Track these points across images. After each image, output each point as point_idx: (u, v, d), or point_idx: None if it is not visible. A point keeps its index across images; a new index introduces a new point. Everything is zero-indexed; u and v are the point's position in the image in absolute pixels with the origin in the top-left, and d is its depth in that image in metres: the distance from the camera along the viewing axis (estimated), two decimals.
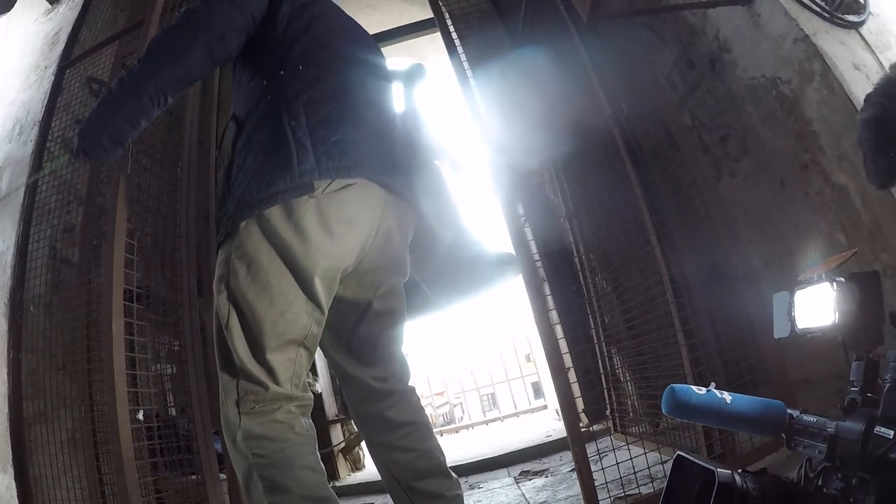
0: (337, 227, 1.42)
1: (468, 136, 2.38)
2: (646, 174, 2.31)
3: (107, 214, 2.26)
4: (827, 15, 1.78)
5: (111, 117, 1.43)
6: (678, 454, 0.82)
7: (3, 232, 2.83)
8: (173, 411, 2.79)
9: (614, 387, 3.13)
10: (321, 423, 3.87)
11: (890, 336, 0.83)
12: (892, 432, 0.67)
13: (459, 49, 2.60)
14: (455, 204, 1.80)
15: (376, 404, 1.57)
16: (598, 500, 1.89)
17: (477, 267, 1.81)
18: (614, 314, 3.03)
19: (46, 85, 3.05)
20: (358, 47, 1.69)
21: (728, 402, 0.82)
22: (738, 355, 2.08)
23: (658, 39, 2.45)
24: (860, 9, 1.80)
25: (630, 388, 2.97)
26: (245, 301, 1.39)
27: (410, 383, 1.66)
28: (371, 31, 1.95)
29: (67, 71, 3.00)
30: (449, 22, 2.69)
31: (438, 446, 1.62)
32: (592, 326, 3.23)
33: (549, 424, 4.55)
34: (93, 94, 2.82)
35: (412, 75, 1.81)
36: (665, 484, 0.82)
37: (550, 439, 3.61)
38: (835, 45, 1.74)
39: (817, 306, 0.86)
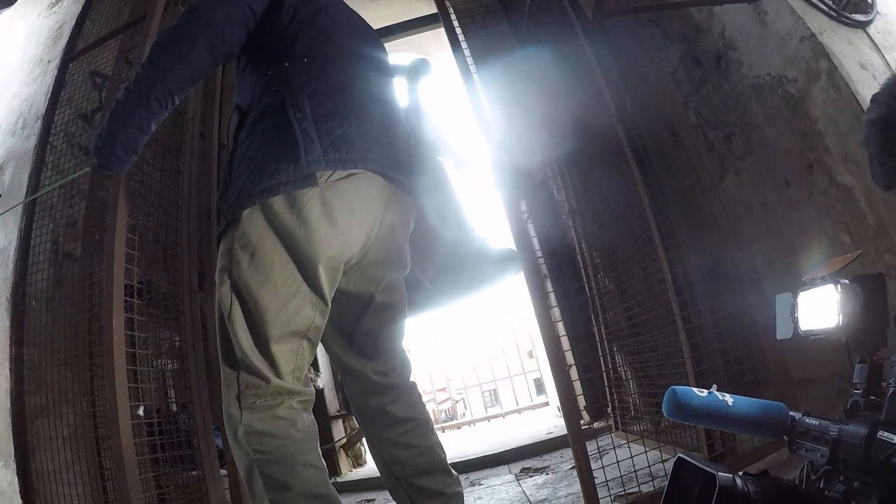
0: (340, 216, 1.41)
1: (472, 132, 2.37)
2: (649, 172, 2.30)
3: (109, 209, 2.25)
4: (834, 14, 1.76)
5: (122, 127, 1.42)
6: (679, 456, 0.81)
7: (6, 226, 2.82)
8: (174, 407, 2.80)
9: (616, 384, 3.12)
10: (323, 419, 3.87)
11: (894, 339, 0.82)
12: (895, 437, 0.67)
13: (463, 45, 2.59)
14: (458, 200, 1.79)
15: (378, 399, 1.57)
16: (598, 499, 1.89)
17: (480, 263, 1.81)
18: (616, 312, 3.02)
19: (50, 79, 3.04)
20: (362, 41, 1.69)
21: (730, 404, 0.82)
22: (741, 354, 2.07)
23: (663, 37, 2.43)
24: (867, 8, 1.79)
25: (632, 386, 2.97)
26: (248, 291, 1.39)
27: (412, 379, 1.66)
28: (376, 26, 1.94)
29: (71, 65, 3.00)
30: (453, 17, 2.68)
31: (439, 443, 1.61)
32: (594, 324, 3.23)
33: (550, 421, 4.55)
34: (96, 88, 2.82)
35: (416, 70, 1.80)
36: (665, 485, 0.82)
37: (552, 436, 3.61)
38: (841, 44, 1.72)
39: (821, 308, 0.85)
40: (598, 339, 3.19)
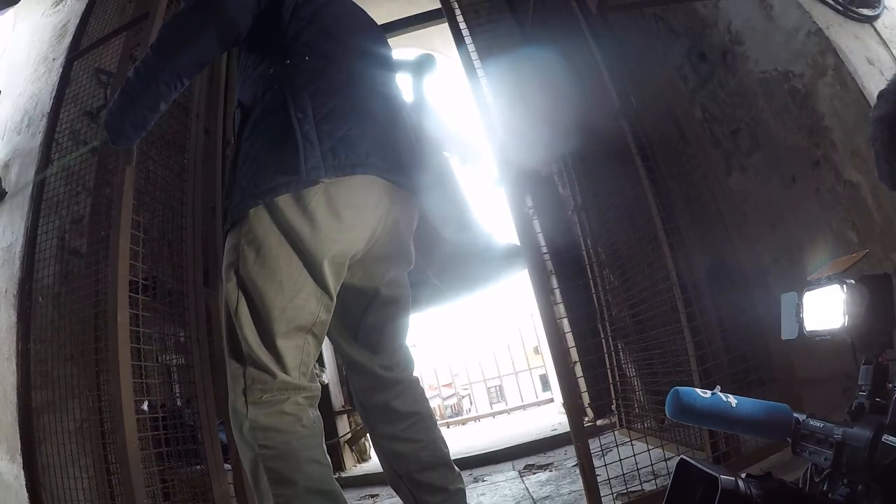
0: (345, 212, 1.42)
1: (477, 127, 2.36)
2: (655, 168, 2.29)
3: (114, 205, 2.26)
4: (841, 8, 1.74)
5: (131, 106, 1.47)
6: (682, 458, 0.81)
7: (13, 223, 2.84)
8: (179, 402, 2.81)
9: (621, 382, 3.11)
10: (328, 414, 3.89)
11: None
12: None
13: (468, 40, 2.58)
14: (461, 196, 1.79)
15: (382, 394, 1.58)
16: (600, 496, 1.89)
17: (485, 259, 1.81)
18: (622, 308, 3.01)
19: (55, 76, 3.05)
20: (365, 37, 1.68)
21: (733, 405, 0.81)
22: (745, 353, 2.06)
23: (669, 31, 2.42)
24: (875, 2, 1.77)
25: (636, 384, 2.96)
26: (254, 287, 1.39)
27: (415, 374, 1.66)
28: (380, 21, 1.93)
29: (76, 62, 3.00)
30: (458, 12, 2.67)
31: (442, 438, 1.62)
32: (599, 320, 3.22)
33: (555, 418, 4.55)
34: (101, 86, 2.82)
35: (421, 66, 1.79)
36: (668, 487, 0.81)
37: (556, 433, 3.61)
38: (848, 38, 1.71)
39: (826, 308, 0.84)
40: (602, 336, 3.18)
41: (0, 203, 2.94)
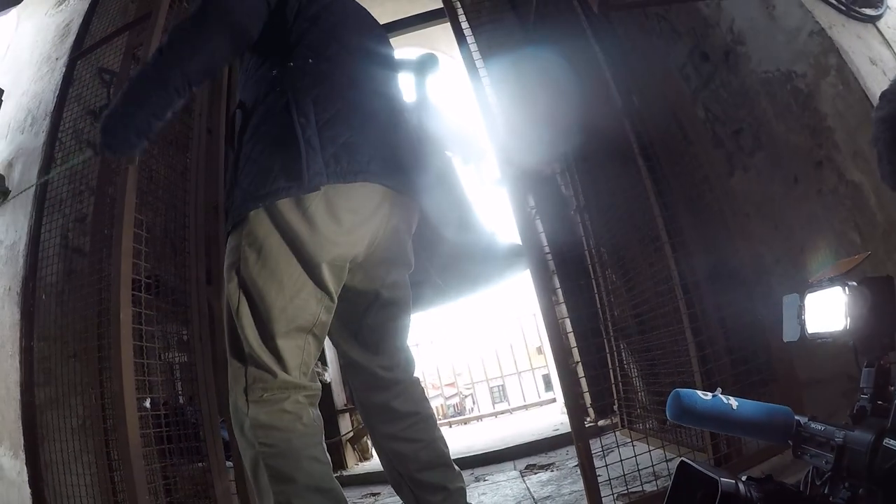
0: (345, 215, 1.42)
1: (479, 127, 2.36)
2: (657, 168, 2.29)
3: (117, 204, 2.27)
4: (843, 8, 1.74)
5: (138, 110, 1.38)
6: (682, 460, 0.81)
7: (16, 221, 2.85)
8: (181, 399, 2.82)
9: (622, 382, 3.11)
10: (330, 413, 3.90)
11: None
12: None
13: (469, 39, 2.58)
14: (463, 197, 1.79)
15: (382, 394, 1.59)
16: (600, 497, 1.89)
17: (487, 259, 1.82)
18: (624, 308, 3.01)
19: (58, 76, 3.06)
20: (367, 37, 1.68)
21: (734, 408, 0.81)
22: (747, 353, 2.06)
23: (671, 31, 2.41)
24: (878, 2, 1.76)
25: (638, 384, 2.96)
26: (255, 287, 1.40)
27: (415, 374, 1.67)
28: (383, 20, 1.93)
29: (79, 62, 3.02)
30: (460, 11, 2.67)
31: (442, 437, 1.63)
32: (601, 321, 3.21)
33: (557, 418, 4.55)
34: (104, 85, 2.83)
35: (424, 65, 1.79)
36: (668, 488, 0.81)
37: (558, 433, 3.61)
38: (851, 39, 1.70)
39: (828, 311, 0.84)
40: (604, 337, 3.18)
41: (4, 201, 2.95)
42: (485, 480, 2.95)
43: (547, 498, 2.34)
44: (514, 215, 2.19)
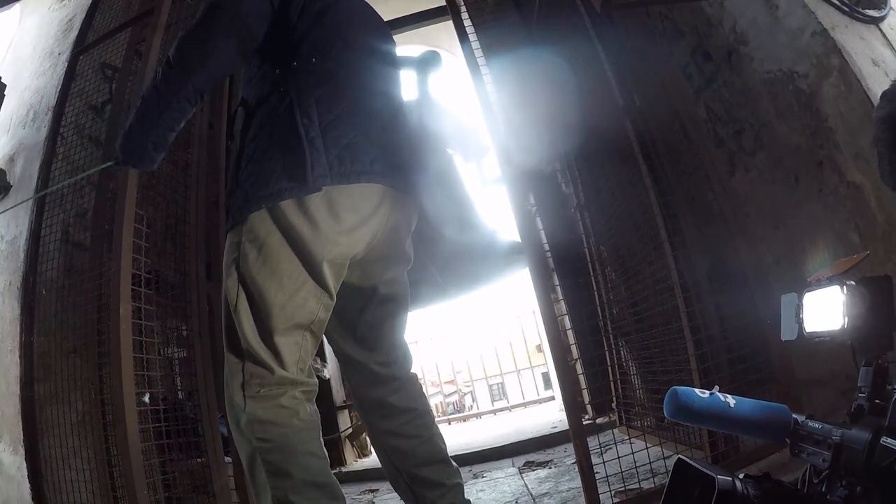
0: (346, 215, 1.43)
1: (481, 125, 2.36)
2: (658, 167, 2.29)
3: (118, 199, 2.27)
4: (847, 9, 1.74)
5: (153, 127, 1.42)
6: (679, 458, 0.81)
7: (17, 217, 2.86)
8: (181, 395, 2.82)
9: (621, 380, 3.11)
10: (329, 409, 3.90)
11: None
12: None
13: (472, 37, 2.58)
14: (463, 195, 1.79)
15: (379, 390, 1.59)
16: (598, 494, 1.89)
17: (487, 257, 1.82)
18: (623, 306, 3.01)
19: (60, 71, 3.06)
20: (371, 35, 1.68)
21: (731, 406, 0.81)
22: (745, 353, 2.06)
23: (674, 30, 2.41)
24: (881, 4, 1.76)
25: (636, 382, 2.96)
26: (254, 284, 1.41)
27: (412, 371, 1.68)
28: (386, 17, 1.93)
29: (81, 57, 3.02)
30: (463, 9, 2.67)
31: (440, 434, 1.64)
32: (600, 318, 3.22)
33: (555, 415, 4.55)
34: (106, 81, 2.83)
35: (426, 63, 1.79)
36: (665, 486, 0.81)
37: (556, 430, 3.61)
38: (854, 39, 1.70)
39: (826, 310, 0.84)
40: (603, 334, 3.19)
41: (4, 196, 2.95)
42: (483, 477, 2.95)
43: (545, 495, 2.35)
44: (514, 213, 2.19)
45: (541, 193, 3.55)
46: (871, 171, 1.59)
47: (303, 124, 1.40)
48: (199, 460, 2.53)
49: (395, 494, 1.64)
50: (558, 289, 3.30)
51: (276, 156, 1.41)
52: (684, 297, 2.13)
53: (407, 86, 1.76)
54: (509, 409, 6.48)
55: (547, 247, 2.77)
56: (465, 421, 6.44)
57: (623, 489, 1.96)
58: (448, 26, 3.04)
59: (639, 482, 1.97)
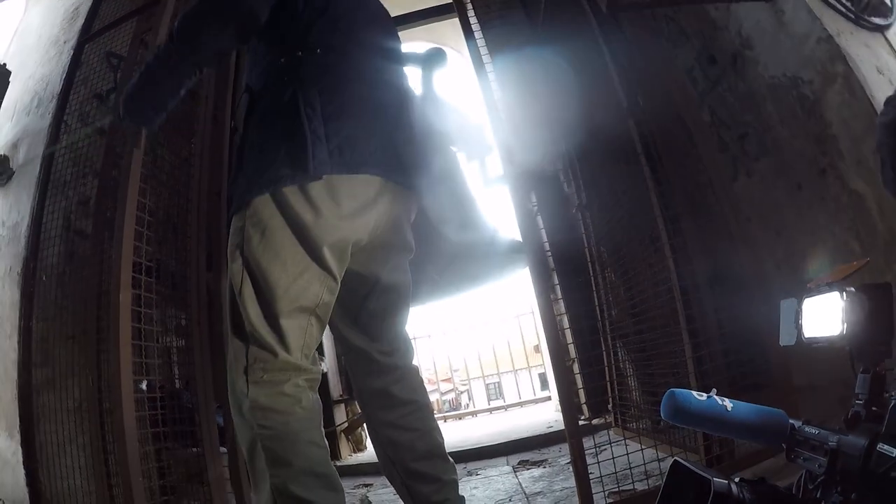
0: (346, 201, 1.44)
1: (485, 123, 2.36)
2: (660, 169, 2.29)
3: (121, 187, 2.27)
4: (852, 16, 1.74)
5: (154, 90, 1.53)
6: (675, 460, 0.81)
7: (19, 202, 2.86)
8: (178, 383, 2.83)
9: (617, 381, 3.12)
10: (325, 403, 3.89)
11: None
12: (895, 450, 0.66)
13: (478, 35, 2.58)
14: (466, 193, 1.79)
15: (380, 379, 1.60)
16: (592, 494, 1.90)
17: (487, 256, 1.82)
18: (622, 308, 3.02)
19: (65, 59, 3.06)
20: (376, 29, 1.68)
21: (729, 409, 0.81)
22: (743, 357, 2.06)
23: (680, 33, 2.41)
24: (887, 11, 1.76)
25: (633, 383, 2.97)
26: (258, 267, 1.41)
27: (414, 363, 1.68)
28: (392, 13, 1.93)
29: (87, 45, 3.01)
30: (469, 7, 2.66)
31: (438, 428, 1.64)
32: (599, 319, 3.22)
33: (551, 415, 4.56)
34: (111, 69, 2.83)
35: (431, 60, 1.78)
36: (661, 489, 0.82)
37: (551, 430, 3.63)
38: (859, 47, 1.70)
39: (825, 316, 0.84)
40: (601, 335, 3.19)
41: (7, 182, 2.95)
42: (477, 475, 2.96)
43: (538, 494, 2.36)
44: (515, 212, 2.20)
45: (542, 193, 3.55)
46: (874, 179, 1.59)
47: (306, 114, 1.41)
48: (194, 450, 2.53)
49: (390, 489, 1.64)
50: (557, 288, 3.30)
51: (278, 143, 1.42)
52: (684, 299, 2.13)
53: (412, 82, 1.76)
54: (505, 408, 6.50)
55: (547, 246, 2.77)
56: (460, 419, 6.46)
57: (617, 490, 1.97)
58: (454, 24, 3.04)
59: (633, 483, 1.98)
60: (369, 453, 4.02)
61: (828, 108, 1.75)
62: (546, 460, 2.99)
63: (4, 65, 2.98)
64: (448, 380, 11.32)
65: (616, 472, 1.98)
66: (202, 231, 2.68)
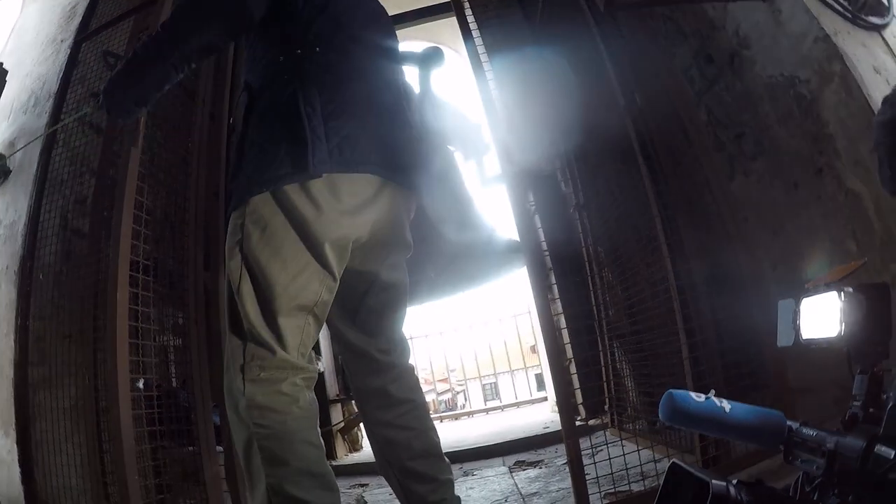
0: (347, 198, 1.44)
1: (482, 122, 2.36)
2: (657, 169, 2.29)
3: (118, 186, 2.26)
4: (850, 15, 1.74)
5: (137, 82, 1.48)
6: (673, 462, 0.81)
7: (16, 201, 2.85)
8: (175, 382, 2.82)
9: (614, 381, 3.12)
10: (322, 402, 3.87)
11: None
12: (892, 452, 0.66)
13: (475, 34, 2.58)
14: (464, 192, 1.79)
15: (378, 377, 1.60)
16: (588, 495, 1.90)
17: (485, 255, 1.82)
18: (619, 308, 3.02)
19: (63, 57, 3.05)
20: (375, 28, 1.68)
21: (727, 411, 0.81)
22: (739, 358, 2.07)
23: (677, 32, 2.41)
24: (884, 11, 1.76)
25: (629, 384, 2.97)
26: (258, 264, 1.41)
27: (410, 362, 1.68)
28: (391, 12, 1.93)
29: (84, 44, 3.01)
30: (467, 6, 2.66)
31: (434, 428, 1.64)
32: (596, 319, 3.22)
33: (547, 416, 4.57)
34: (108, 68, 2.82)
35: (428, 59, 1.78)
36: (659, 490, 0.81)
37: (548, 431, 3.63)
38: (856, 46, 1.70)
39: (823, 316, 0.84)
40: (598, 335, 3.19)
41: (4, 181, 2.94)
42: (473, 475, 2.96)
43: (534, 494, 2.35)
44: (513, 212, 2.20)
45: (540, 192, 3.55)
46: (870, 179, 1.59)
47: (305, 113, 1.41)
48: (190, 448, 2.53)
49: (386, 489, 1.65)
50: (555, 288, 3.31)
51: (278, 142, 1.41)
52: (680, 299, 2.14)
53: (410, 81, 1.75)
54: (502, 408, 6.50)
55: (545, 246, 2.77)
56: (457, 419, 6.46)
57: (613, 491, 1.97)
58: (452, 23, 3.04)
59: (629, 484, 1.98)
60: (365, 453, 4.02)
61: (825, 108, 1.75)
62: (542, 461, 2.99)
63: (1, 63, 2.97)
64: (445, 380, 11.35)
65: (612, 473, 1.98)
66: (200, 230, 2.68)
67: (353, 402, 3.81)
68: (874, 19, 1.76)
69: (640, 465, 2.01)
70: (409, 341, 1.73)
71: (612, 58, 2.42)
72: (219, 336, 1.92)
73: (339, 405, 4.26)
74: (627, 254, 2.70)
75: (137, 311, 2.28)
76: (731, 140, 2.23)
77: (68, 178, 2.81)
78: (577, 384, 3.24)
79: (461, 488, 2.58)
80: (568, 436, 1.95)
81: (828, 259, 1.81)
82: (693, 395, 0.82)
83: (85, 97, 2.87)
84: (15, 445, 2.53)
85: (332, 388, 4.28)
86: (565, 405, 2.03)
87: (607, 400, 3.18)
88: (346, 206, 1.43)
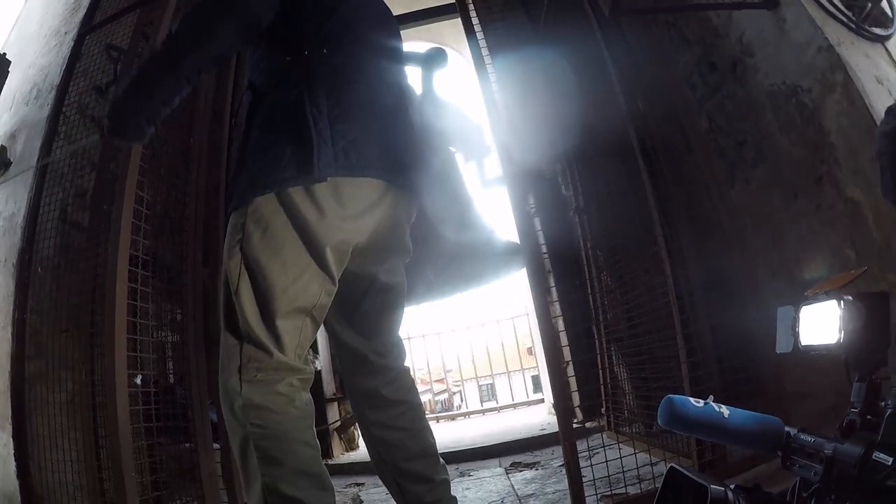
0: (350, 203, 1.43)
1: (484, 123, 2.36)
2: (658, 174, 2.29)
3: (119, 180, 2.26)
4: (853, 26, 1.75)
5: (148, 99, 1.41)
6: (671, 466, 0.82)
7: (16, 194, 2.84)
8: (172, 379, 2.82)
9: (611, 384, 3.13)
10: (318, 401, 3.86)
11: (894, 359, 0.82)
12: (890, 459, 0.67)
13: (479, 35, 2.58)
14: (465, 193, 1.79)
15: (373, 380, 1.60)
16: (584, 497, 1.90)
17: (484, 257, 1.81)
18: (617, 311, 3.02)
19: (66, 50, 3.05)
20: (381, 30, 1.68)
21: (726, 416, 0.82)
22: (737, 364, 2.07)
23: (681, 39, 2.42)
24: (888, 22, 1.77)
25: (627, 387, 2.97)
26: (258, 265, 1.40)
27: (406, 364, 1.68)
28: (395, 13, 1.93)
29: (87, 37, 3.00)
30: (471, 7, 2.67)
31: (430, 428, 1.64)
32: (594, 322, 3.23)
33: (544, 418, 4.57)
34: (112, 62, 2.82)
35: (432, 60, 1.78)
36: (657, 493, 0.82)
37: (544, 432, 3.63)
38: (859, 56, 1.71)
39: (822, 324, 0.85)
40: (596, 338, 3.20)
41: (5, 172, 2.94)
42: (469, 476, 2.96)
43: (530, 496, 2.36)
44: (513, 214, 2.20)
45: (540, 195, 3.55)
46: (870, 188, 1.60)
47: (312, 115, 1.40)
48: (187, 445, 2.53)
49: (381, 489, 1.64)
50: (553, 290, 3.31)
51: (284, 144, 1.41)
52: (679, 304, 2.14)
53: (412, 81, 1.76)
54: (498, 409, 6.50)
55: (544, 248, 2.78)
56: (453, 420, 6.45)
57: (609, 493, 1.97)
58: (455, 24, 3.04)
59: (625, 487, 1.98)
60: (362, 452, 4.02)
61: (826, 117, 1.76)
62: (539, 462, 2.99)
63: (4, 54, 2.96)
64: (441, 380, 11.33)
65: (609, 476, 1.98)
66: (199, 226, 2.68)
67: (349, 401, 3.81)
68: (878, 30, 1.77)
69: (637, 467, 2.02)
70: (407, 342, 1.73)
71: (615, 63, 2.43)
72: (216, 332, 1.92)
73: (335, 404, 4.26)
74: (626, 258, 2.71)
75: (136, 307, 2.28)
76: (732, 147, 2.24)
77: (68, 172, 2.80)
78: (574, 386, 3.25)
79: (457, 489, 2.58)
80: (565, 438, 1.95)
81: (826, 267, 1.81)
82: (692, 400, 0.82)
83: (87, 90, 2.87)
84: (11, 440, 2.52)
85: (329, 386, 4.28)
86: (562, 407, 2.03)
87: (604, 403, 3.18)
88: (349, 210, 1.43)
